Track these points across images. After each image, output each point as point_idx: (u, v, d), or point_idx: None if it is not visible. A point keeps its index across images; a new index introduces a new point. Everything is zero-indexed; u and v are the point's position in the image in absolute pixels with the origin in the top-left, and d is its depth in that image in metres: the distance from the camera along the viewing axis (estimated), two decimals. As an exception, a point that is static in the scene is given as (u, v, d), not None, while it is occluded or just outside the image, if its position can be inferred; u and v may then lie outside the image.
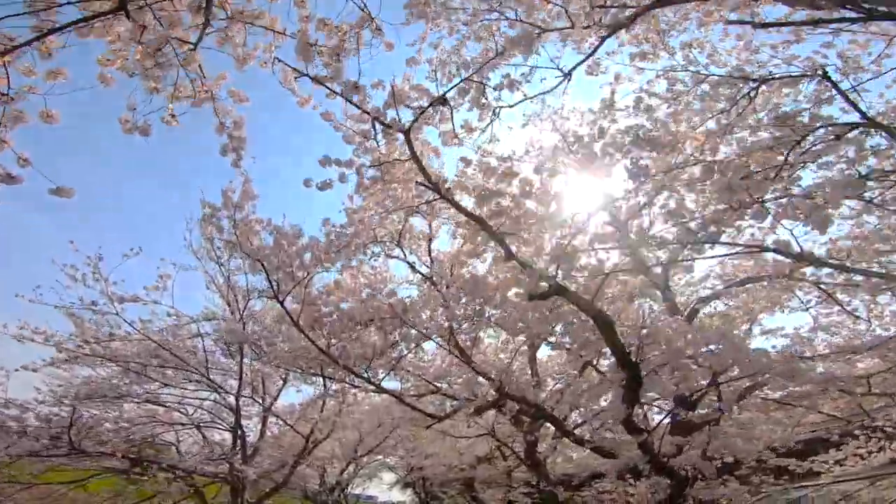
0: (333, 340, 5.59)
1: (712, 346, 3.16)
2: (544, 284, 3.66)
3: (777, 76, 5.35)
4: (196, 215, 7.75)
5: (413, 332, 6.13)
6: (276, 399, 9.57)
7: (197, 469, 7.13)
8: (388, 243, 7.69)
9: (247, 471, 7.47)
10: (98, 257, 5.60)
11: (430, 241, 7.64)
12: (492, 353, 8.64)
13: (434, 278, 6.83)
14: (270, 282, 5.47)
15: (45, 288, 5.62)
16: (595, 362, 5.10)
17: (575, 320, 4.00)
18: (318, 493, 13.37)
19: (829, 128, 4.57)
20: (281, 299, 5.43)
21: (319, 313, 5.46)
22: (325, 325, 5.70)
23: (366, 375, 5.76)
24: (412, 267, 7.57)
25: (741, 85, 5.38)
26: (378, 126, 4.11)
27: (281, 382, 9.56)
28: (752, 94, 5.37)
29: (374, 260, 7.74)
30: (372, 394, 8.58)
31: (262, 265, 5.41)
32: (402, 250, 7.53)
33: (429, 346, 10.51)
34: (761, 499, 6.70)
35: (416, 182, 4.11)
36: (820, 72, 4.92)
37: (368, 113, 3.99)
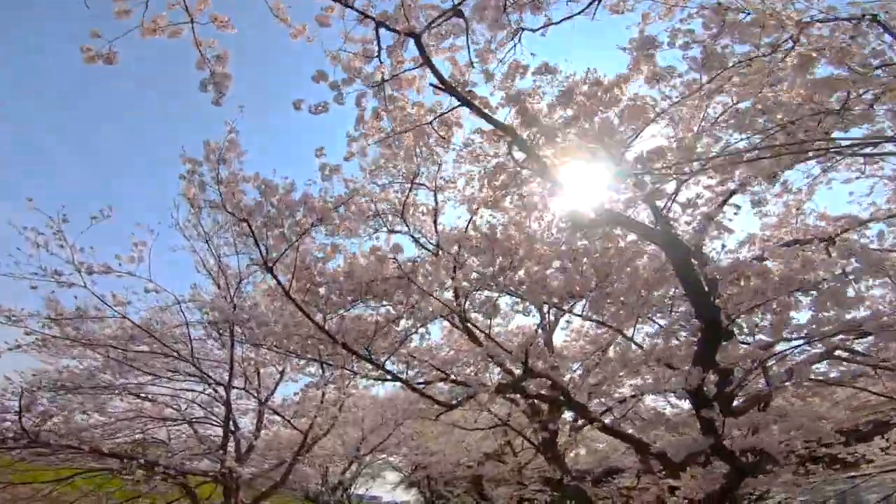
0: (330, 315, 4.66)
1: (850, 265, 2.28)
2: (591, 213, 2.76)
3: (821, 19, 4.56)
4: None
5: (419, 307, 5.21)
6: (272, 393, 8.56)
7: (179, 466, 6.12)
8: (390, 218, 6.81)
9: (238, 469, 6.46)
10: (62, 219, 4.68)
11: (435, 215, 6.75)
12: (503, 340, 7.70)
13: (441, 251, 5.94)
14: (258, 245, 4.55)
15: (2, 254, 4.69)
16: (631, 333, 4.17)
17: (625, 271, 3.09)
18: (320, 493, 12.28)
19: (888, 67, 3.74)
20: (270, 265, 4.51)
21: (314, 281, 4.53)
22: (321, 298, 4.77)
23: (366, 355, 4.81)
24: (417, 241, 6.66)
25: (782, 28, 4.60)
26: (382, 38, 3.24)
27: (278, 375, 8.57)
28: (793, 38, 4.59)
29: (375, 238, 6.87)
30: (374, 385, 7.60)
31: (249, 225, 4.49)
32: (406, 224, 6.64)
33: (434, 335, 9.59)
34: (809, 489, 5.71)
35: (431, 86, 3.22)
36: (868, 15, 4.14)
37: (373, 18, 3.12)
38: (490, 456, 9.82)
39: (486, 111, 3.14)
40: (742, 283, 2.82)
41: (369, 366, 6.22)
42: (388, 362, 5.44)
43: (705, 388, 2.93)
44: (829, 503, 5.70)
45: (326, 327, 4.65)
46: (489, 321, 4.32)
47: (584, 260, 3.61)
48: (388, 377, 6.26)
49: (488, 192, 4.34)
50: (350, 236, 4.80)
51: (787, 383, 3.76)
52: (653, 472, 6.09)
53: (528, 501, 9.60)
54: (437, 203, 6.64)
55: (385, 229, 6.69)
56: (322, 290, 4.59)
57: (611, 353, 6.24)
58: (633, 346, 4.37)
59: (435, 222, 6.69)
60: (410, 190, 6.35)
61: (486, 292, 4.90)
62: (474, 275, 4.37)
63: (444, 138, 3.61)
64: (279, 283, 4.46)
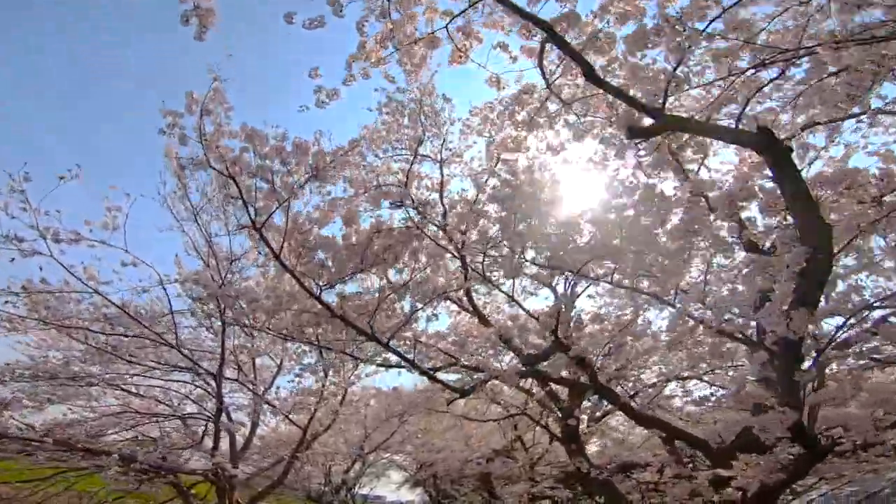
0: (326, 286, 3.95)
1: None
2: (647, 119, 2.08)
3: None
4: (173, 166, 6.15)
5: (427, 276, 4.51)
6: (270, 386, 7.80)
7: (157, 462, 5.37)
8: (393, 189, 6.14)
9: (227, 465, 5.71)
10: (24, 177, 3.97)
11: (441, 188, 6.08)
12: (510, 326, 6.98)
13: (448, 225, 5.29)
14: (246, 206, 3.86)
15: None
16: (673, 294, 3.45)
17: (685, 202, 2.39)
18: (323, 493, 11.45)
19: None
20: (259, 226, 3.81)
21: (308, 245, 3.84)
22: (316, 267, 4.06)
23: (369, 331, 4.09)
24: (422, 214, 5.97)
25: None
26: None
27: (275, 368, 7.83)
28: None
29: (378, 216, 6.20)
30: (376, 373, 6.88)
31: (235, 182, 3.80)
32: (411, 197, 5.96)
33: (442, 324, 8.82)
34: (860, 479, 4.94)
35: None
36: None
37: None
38: (499, 452, 9.03)
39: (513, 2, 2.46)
40: (850, 192, 2.14)
41: (371, 349, 5.52)
42: (391, 343, 4.73)
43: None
44: (885, 492, 4.96)
45: (322, 298, 3.95)
46: (512, 281, 3.60)
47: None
48: (393, 362, 5.54)
49: (509, 132, 3.66)
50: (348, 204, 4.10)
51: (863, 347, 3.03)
52: (683, 464, 5.35)
53: (541, 500, 8.78)
54: (442, 176, 5.99)
55: (388, 203, 6.02)
56: (318, 255, 3.88)
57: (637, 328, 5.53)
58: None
59: (441, 196, 6.03)
60: (414, 159, 5.70)
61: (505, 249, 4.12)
62: (491, 231, 3.67)
63: (461, 52, 2.94)
64: (268, 245, 3.76)
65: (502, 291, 3.71)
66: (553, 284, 6.01)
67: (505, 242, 3.61)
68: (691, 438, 4.37)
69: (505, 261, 3.62)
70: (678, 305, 3.43)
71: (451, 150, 5.94)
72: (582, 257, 3.50)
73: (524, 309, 3.93)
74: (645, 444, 8.27)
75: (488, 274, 3.84)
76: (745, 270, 3.69)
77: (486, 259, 3.89)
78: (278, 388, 7.03)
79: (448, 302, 6.59)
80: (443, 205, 5.87)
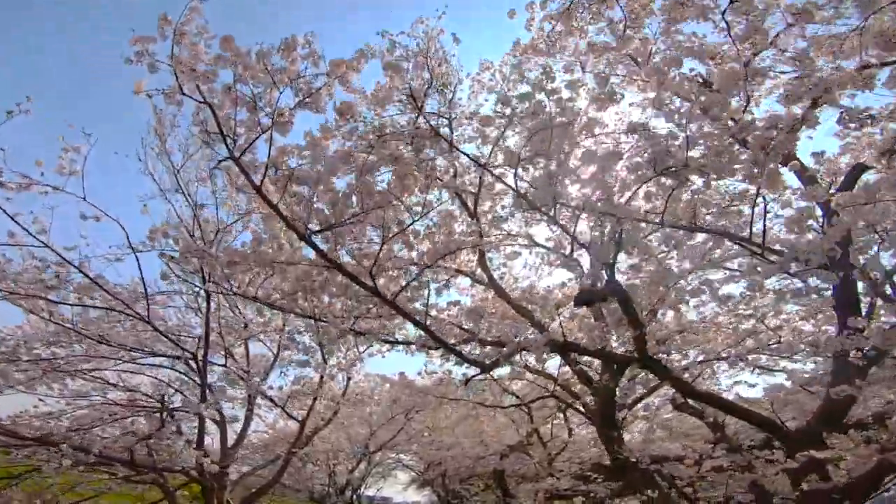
0: (315, 225, 3.13)
1: None
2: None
3: None
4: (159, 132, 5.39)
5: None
6: (266, 377, 6.94)
7: (115, 454, 4.52)
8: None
9: (205, 461, 4.86)
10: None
11: (450, 151, 5.31)
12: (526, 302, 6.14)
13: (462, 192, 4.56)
14: (224, 136, 3.07)
15: None
16: (747, 232, 2.63)
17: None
18: (327, 494, 10.51)
19: None
20: (238, 154, 3.02)
21: (294, 175, 3.03)
22: (305, 205, 3.24)
23: (371, 285, 3.27)
24: (436, 177, 5.17)
25: None
26: None
27: (271, 357, 6.98)
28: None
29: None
30: (380, 352, 6.00)
31: (212, 109, 3.02)
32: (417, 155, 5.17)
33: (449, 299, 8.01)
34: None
35: None
36: None
37: None
38: (514, 448, 8.11)
39: None
40: None
41: (376, 324, 4.70)
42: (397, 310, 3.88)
43: None
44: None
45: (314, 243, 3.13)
46: (552, 202, 2.74)
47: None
48: (399, 338, 4.72)
49: (539, 34, 2.87)
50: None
51: None
52: (741, 453, 4.49)
53: (559, 499, 7.82)
54: (452, 135, 5.22)
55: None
56: (306, 189, 3.07)
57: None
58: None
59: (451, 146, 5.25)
60: (420, 113, 4.94)
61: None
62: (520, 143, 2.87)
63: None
64: (248, 177, 2.96)
65: (546, 214, 2.86)
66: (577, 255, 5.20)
67: (540, 161, 2.80)
68: (759, 419, 3.53)
69: (539, 186, 2.79)
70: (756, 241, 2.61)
71: (460, 104, 5.20)
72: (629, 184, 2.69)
73: (568, 232, 3.07)
74: (669, 437, 7.38)
75: (527, 195, 2.94)
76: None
77: (519, 179, 3.06)
78: (268, 375, 6.17)
79: (460, 278, 5.80)
80: (452, 164, 5.10)
